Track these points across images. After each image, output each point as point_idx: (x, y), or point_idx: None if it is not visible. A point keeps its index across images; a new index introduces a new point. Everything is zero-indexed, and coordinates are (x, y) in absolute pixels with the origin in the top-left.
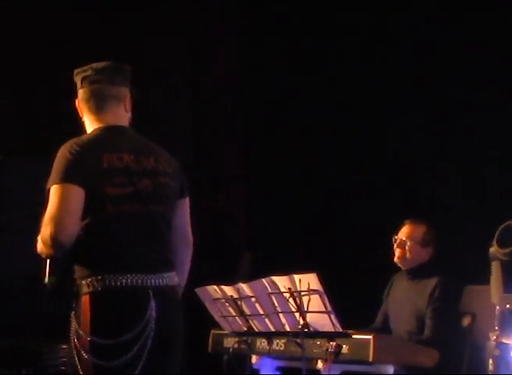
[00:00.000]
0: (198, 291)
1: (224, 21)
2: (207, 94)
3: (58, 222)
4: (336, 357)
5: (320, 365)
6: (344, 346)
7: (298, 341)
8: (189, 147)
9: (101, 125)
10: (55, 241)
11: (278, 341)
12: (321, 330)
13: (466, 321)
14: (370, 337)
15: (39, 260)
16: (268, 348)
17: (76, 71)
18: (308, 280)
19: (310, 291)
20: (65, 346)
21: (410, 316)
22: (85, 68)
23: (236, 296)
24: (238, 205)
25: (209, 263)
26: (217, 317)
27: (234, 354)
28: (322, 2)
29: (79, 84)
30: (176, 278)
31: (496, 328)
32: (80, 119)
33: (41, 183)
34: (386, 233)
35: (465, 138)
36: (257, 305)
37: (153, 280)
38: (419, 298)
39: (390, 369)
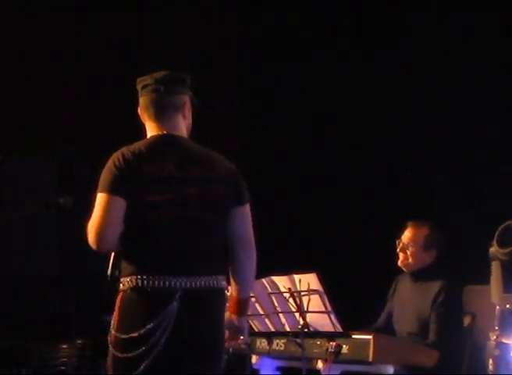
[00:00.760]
0: None
1: (224, 21)
2: (206, 94)
3: (98, 232)
4: (336, 357)
5: (320, 365)
6: (344, 346)
7: (298, 341)
8: None
9: (156, 133)
10: (95, 247)
11: (278, 341)
12: (321, 330)
13: (466, 321)
14: (370, 337)
15: (39, 260)
16: (268, 348)
17: (138, 80)
18: (308, 280)
19: (310, 291)
20: (65, 346)
21: (413, 318)
22: (146, 77)
23: None
24: None
25: None
26: None
27: (234, 354)
28: (323, 3)
29: (140, 92)
30: (222, 282)
31: (496, 328)
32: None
33: (41, 183)
34: (387, 232)
35: (465, 138)
36: (257, 305)
37: (183, 283)
38: (422, 300)
39: (390, 369)
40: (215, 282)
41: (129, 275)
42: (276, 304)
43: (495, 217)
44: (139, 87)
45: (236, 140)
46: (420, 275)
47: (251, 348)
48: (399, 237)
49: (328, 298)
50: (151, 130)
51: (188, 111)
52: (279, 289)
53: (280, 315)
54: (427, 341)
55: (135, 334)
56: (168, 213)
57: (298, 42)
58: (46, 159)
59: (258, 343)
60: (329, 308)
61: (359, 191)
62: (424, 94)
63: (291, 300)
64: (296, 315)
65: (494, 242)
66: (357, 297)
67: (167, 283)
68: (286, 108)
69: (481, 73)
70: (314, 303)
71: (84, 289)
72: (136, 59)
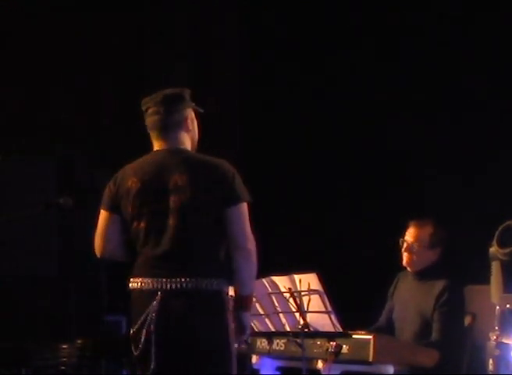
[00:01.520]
0: None
1: (224, 21)
2: (206, 94)
3: (96, 243)
4: (336, 357)
5: (320, 365)
6: (344, 346)
7: (298, 341)
8: None
9: (157, 149)
10: (97, 255)
11: (278, 341)
12: (321, 330)
13: (466, 321)
14: (370, 337)
15: (39, 260)
16: (268, 348)
17: (142, 102)
18: (308, 280)
19: (310, 291)
20: (65, 346)
21: (415, 316)
22: (147, 99)
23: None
24: None
25: None
26: None
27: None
28: (322, 3)
29: (144, 114)
30: (215, 285)
31: (496, 328)
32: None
33: (41, 183)
34: (387, 232)
35: (465, 138)
36: (257, 304)
37: (164, 284)
38: (425, 298)
39: (390, 369)
40: (203, 284)
41: (131, 277)
42: (276, 304)
43: (495, 217)
44: (143, 109)
45: (235, 140)
46: (424, 274)
47: (251, 348)
48: (402, 236)
49: (328, 298)
50: (155, 147)
51: (191, 122)
52: (279, 289)
53: (280, 315)
54: (430, 339)
55: (132, 331)
56: (150, 222)
57: (298, 42)
58: (46, 159)
59: (258, 343)
60: (329, 308)
61: (359, 190)
62: (423, 94)
63: (291, 300)
64: (297, 315)
65: (494, 242)
66: (357, 297)
67: (150, 284)
68: (285, 108)
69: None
70: (315, 303)
71: (84, 289)
72: (136, 59)
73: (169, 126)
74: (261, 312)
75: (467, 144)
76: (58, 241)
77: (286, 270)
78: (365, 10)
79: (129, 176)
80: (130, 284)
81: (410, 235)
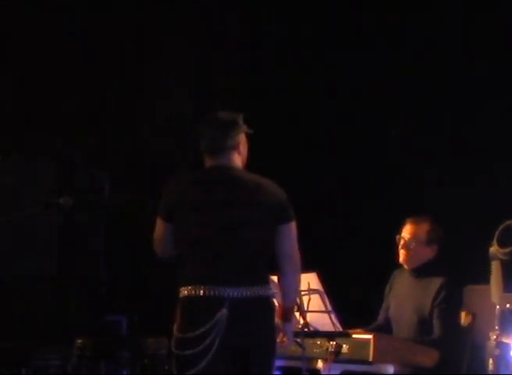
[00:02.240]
0: None
1: (224, 21)
2: (206, 94)
3: (154, 246)
4: (336, 357)
5: (320, 364)
6: (344, 346)
7: (298, 340)
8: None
9: (210, 165)
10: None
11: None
12: (321, 329)
13: (466, 321)
14: (370, 337)
15: (39, 260)
16: None
17: (198, 126)
18: (308, 280)
19: (310, 291)
20: (65, 346)
21: (412, 313)
22: (203, 126)
23: None
24: None
25: None
26: None
27: None
28: (322, 3)
29: (200, 134)
30: (268, 291)
31: (496, 328)
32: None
33: (41, 183)
34: (387, 231)
35: (465, 138)
36: None
37: (231, 292)
38: (422, 295)
39: (390, 369)
40: (260, 291)
41: (183, 285)
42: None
43: (495, 217)
44: (199, 131)
45: None
46: (421, 271)
47: None
48: (399, 233)
49: (328, 297)
50: (207, 164)
51: (243, 146)
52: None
53: None
54: (432, 336)
55: (190, 335)
56: (207, 233)
57: (298, 42)
58: (46, 159)
59: None
60: (329, 308)
61: (359, 190)
62: (423, 93)
63: None
64: (297, 314)
65: (494, 242)
66: (357, 297)
67: (216, 292)
68: (285, 108)
69: (481, 74)
70: (315, 303)
71: (84, 289)
72: (136, 59)
73: (224, 149)
74: None
75: (467, 144)
76: (58, 241)
77: None
78: (365, 10)
79: (189, 188)
80: (191, 291)
81: (406, 232)
